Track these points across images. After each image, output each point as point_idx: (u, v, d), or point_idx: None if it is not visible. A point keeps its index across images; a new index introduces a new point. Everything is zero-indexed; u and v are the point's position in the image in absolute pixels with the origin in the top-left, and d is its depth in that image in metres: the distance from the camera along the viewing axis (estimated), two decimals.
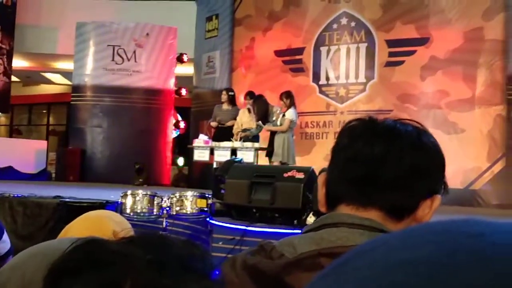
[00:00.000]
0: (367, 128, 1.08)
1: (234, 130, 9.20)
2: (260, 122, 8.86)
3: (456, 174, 8.10)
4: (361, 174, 1.04)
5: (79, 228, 1.55)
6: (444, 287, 0.30)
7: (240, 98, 9.95)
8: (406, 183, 1.03)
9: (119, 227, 1.58)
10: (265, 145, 8.93)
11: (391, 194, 1.03)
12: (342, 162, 1.07)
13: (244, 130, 9.06)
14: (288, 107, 8.61)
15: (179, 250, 0.67)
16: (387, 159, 1.03)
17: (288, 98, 8.65)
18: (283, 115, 8.61)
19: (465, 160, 8.31)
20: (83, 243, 0.70)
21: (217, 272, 0.68)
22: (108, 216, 1.64)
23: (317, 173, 5.25)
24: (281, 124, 8.61)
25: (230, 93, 9.84)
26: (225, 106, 9.68)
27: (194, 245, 0.70)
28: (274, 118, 8.78)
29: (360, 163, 1.05)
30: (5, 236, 1.99)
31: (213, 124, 9.70)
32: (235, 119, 9.36)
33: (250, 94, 9.37)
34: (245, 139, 8.92)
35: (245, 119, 9.20)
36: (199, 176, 11.36)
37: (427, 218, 1.05)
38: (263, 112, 8.90)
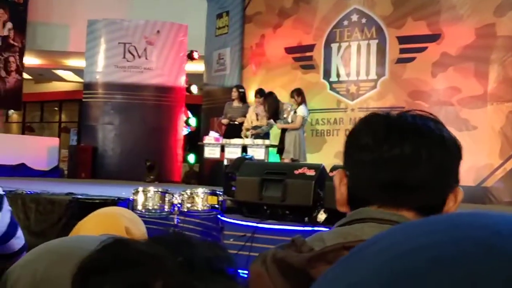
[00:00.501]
0: (391, 127, 1.06)
1: (244, 127, 9.21)
2: (271, 120, 8.87)
3: (468, 171, 8.05)
4: (391, 177, 1.03)
5: (92, 225, 1.56)
6: (446, 274, 0.30)
7: (251, 95, 9.96)
8: (435, 183, 1.04)
9: (131, 223, 1.59)
10: (276, 142, 8.93)
11: (422, 195, 1.03)
12: (369, 165, 1.05)
13: (255, 128, 9.07)
14: (299, 104, 8.62)
15: (205, 251, 0.68)
16: (418, 161, 1.03)
17: (300, 95, 8.66)
18: (295, 112, 8.61)
19: (477, 157, 8.26)
20: (112, 242, 0.70)
21: (240, 273, 0.69)
22: (120, 213, 1.65)
23: (328, 170, 5.25)
24: (292, 121, 8.61)
25: (240, 90, 9.86)
26: (236, 103, 9.69)
27: (219, 246, 0.71)
28: (285, 115, 8.78)
29: (389, 166, 1.03)
30: (19, 232, 2.02)
31: (224, 121, 9.72)
32: (245, 116, 9.37)
33: (260, 92, 9.37)
34: (256, 136, 8.93)
35: (254, 117, 9.21)
36: (210, 173, 11.38)
37: (452, 210, 1.06)
38: (273, 109, 8.91)
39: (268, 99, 9.03)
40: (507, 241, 0.31)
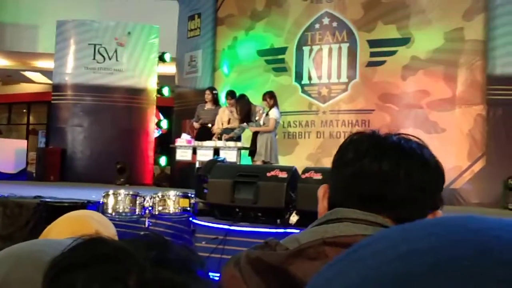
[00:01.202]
0: (374, 143, 1.08)
1: (215, 130, 9.19)
2: (245, 124, 8.86)
3: None
4: (368, 191, 1.05)
5: (61, 228, 1.53)
6: (446, 276, 0.30)
7: (222, 98, 9.94)
8: (413, 200, 1.05)
9: (101, 226, 1.57)
10: (247, 145, 8.93)
11: (399, 211, 1.04)
12: (349, 178, 1.07)
13: (227, 131, 9.05)
14: (271, 107, 8.63)
15: (179, 252, 0.68)
16: (396, 177, 1.04)
17: (272, 98, 8.67)
18: (267, 115, 8.62)
19: (445, 159, 8.28)
20: (86, 240, 0.69)
21: (211, 276, 0.69)
22: (90, 216, 1.62)
23: (300, 173, 5.27)
24: (264, 124, 8.62)
25: (214, 92, 9.85)
26: (209, 106, 9.66)
27: (191, 250, 0.71)
28: (257, 118, 8.78)
29: (368, 180, 1.05)
30: None
31: (196, 125, 9.66)
32: None
33: (231, 94, 9.36)
34: (228, 138, 8.91)
35: (225, 118, 9.19)
36: (181, 176, 11.32)
37: None
38: (246, 111, 8.90)
39: (240, 101, 9.02)
40: (505, 245, 0.31)
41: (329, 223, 1.06)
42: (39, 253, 1.05)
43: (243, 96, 9.08)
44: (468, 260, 0.30)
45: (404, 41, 9.34)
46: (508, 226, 0.33)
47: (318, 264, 0.95)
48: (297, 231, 1.15)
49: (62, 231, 1.49)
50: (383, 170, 1.04)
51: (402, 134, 1.11)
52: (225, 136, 8.90)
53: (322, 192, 1.14)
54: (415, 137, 1.12)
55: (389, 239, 0.35)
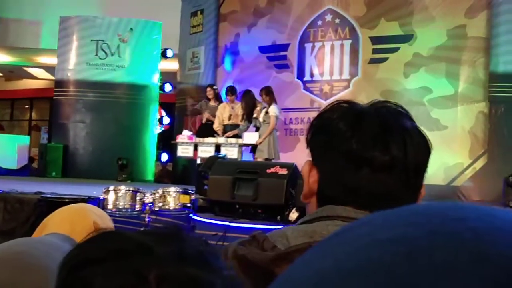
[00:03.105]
0: (381, 129, 0.99)
1: (216, 127, 9.16)
2: (246, 122, 8.83)
3: (438, 170, 8.15)
4: (373, 183, 0.99)
5: (58, 219, 1.52)
6: (418, 266, 0.30)
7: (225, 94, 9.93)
8: (414, 185, 1.01)
9: (100, 219, 1.56)
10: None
11: (398, 200, 0.98)
12: (353, 169, 0.99)
13: (231, 127, 9.02)
14: (270, 104, 8.55)
15: (196, 244, 0.67)
16: (403, 165, 0.98)
17: (268, 94, 8.55)
18: (266, 112, 8.56)
19: (447, 156, 8.37)
20: (102, 233, 0.68)
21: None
22: (89, 209, 1.62)
23: (300, 169, 5.26)
24: (264, 121, 8.58)
25: (215, 88, 9.85)
26: (212, 103, 9.63)
27: (207, 243, 0.70)
28: (255, 115, 8.74)
29: (374, 171, 0.98)
30: None
31: (206, 114, 9.51)
32: None
33: (231, 90, 9.34)
34: (233, 135, 8.88)
35: (226, 115, 9.17)
36: (183, 172, 11.33)
37: None
38: (250, 108, 8.88)
39: (245, 97, 9.00)
40: (482, 235, 0.31)
41: (319, 220, 1.03)
42: (20, 255, 1.03)
43: (248, 92, 9.04)
44: (443, 252, 0.30)
45: (407, 38, 9.32)
46: (488, 216, 0.33)
47: None
48: None
49: (61, 222, 1.48)
50: (393, 158, 0.97)
51: (387, 103, 1.03)
52: (229, 133, 8.86)
53: (307, 169, 1.06)
54: (398, 105, 1.04)
55: (371, 224, 0.34)
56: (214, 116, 9.36)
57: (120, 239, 0.67)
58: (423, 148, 1.02)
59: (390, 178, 0.98)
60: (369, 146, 0.98)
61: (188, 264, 0.63)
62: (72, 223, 1.41)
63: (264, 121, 8.56)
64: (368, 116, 1.01)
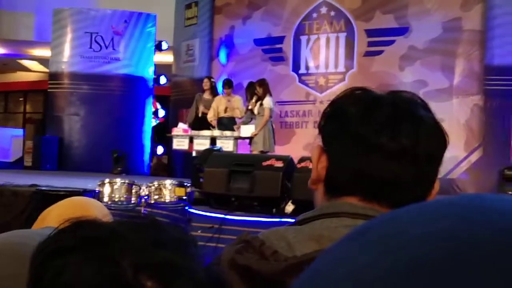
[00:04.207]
0: (388, 113, 0.96)
1: (210, 118, 9.14)
2: (249, 113, 8.84)
3: None
4: (382, 170, 0.95)
5: (61, 211, 1.51)
6: (464, 261, 0.28)
7: (219, 87, 9.92)
8: (425, 176, 0.98)
9: (100, 213, 1.55)
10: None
11: (407, 190, 0.95)
12: (362, 154, 0.95)
13: (227, 120, 9.04)
14: (263, 96, 8.54)
15: (173, 232, 0.67)
16: (413, 155, 0.95)
17: (261, 86, 8.56)
18: (261, 104, 8.55)
19: None
20: (74, 222, 0.67)
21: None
22: (90, 202, 1.61)
23: (296, 162, 5.26)
24: (259, 113, 8.58)
25: (212, 80, 9.84)
26: (207, 96, 9.62)
27: (184, 230, 0.69)
28: (250, 107, 8.75)
29: (384, 158, 0.94)
30: None
31: (201, 108, 9.52)
32: None
33: (228, 83, 9.33)
34: (224, 127, 8.88)
35: (222, 107, 9.16)
36: (178, 165, 11.31)
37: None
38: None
39: (249, 89, 9.03)
40: None
41: (324, 217, 0.97)
42: (17, 246, 1.02)
43: (252, 84, 9.06)
44: (487, 245, 0.28)
45: (402, 31, 9.31)
46: None
47: None
48: (293, 220, 1.09)
49: (62, 214, 1.47)
50: (403, 147, 0.93)
51: (404, 94, 1.01)
52: (236, 126, 8.86)
53: (317, 154, 1.02)
54: (414, 94, 1.02)
55: (402, 221, 0.32)
56: (208, 109, 9.36)
57: (93, 227, 0.66)
58: (437, 139, 0.99)
59: (400, 166, 0.95)
60: (379, 132, 0.95)
61: (165, 250, 0.62)
62: (72, 216, 1.40)
63: (258, 113, 8.57)
64: (381, 102, 0.98)
